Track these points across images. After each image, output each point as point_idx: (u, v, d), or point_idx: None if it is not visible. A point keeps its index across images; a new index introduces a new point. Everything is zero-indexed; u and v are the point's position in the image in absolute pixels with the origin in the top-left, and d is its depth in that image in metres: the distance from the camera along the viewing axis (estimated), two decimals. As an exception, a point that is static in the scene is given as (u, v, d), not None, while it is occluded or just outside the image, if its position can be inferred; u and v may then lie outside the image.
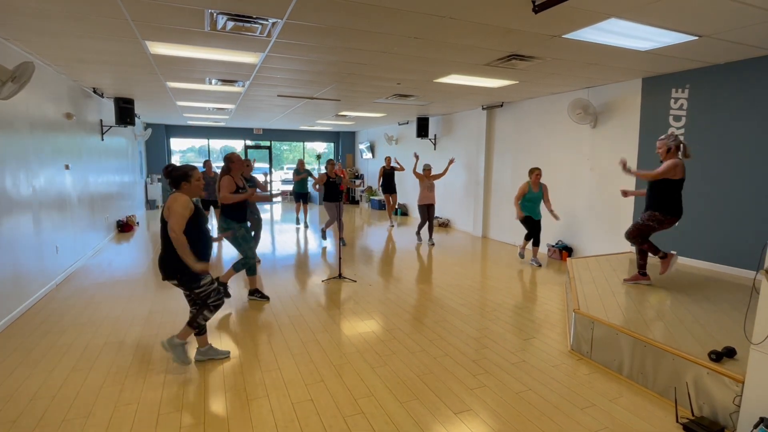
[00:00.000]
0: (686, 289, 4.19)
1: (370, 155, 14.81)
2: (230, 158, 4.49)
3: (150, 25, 3.67)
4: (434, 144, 10.81)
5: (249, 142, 15.38)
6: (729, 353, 2.67)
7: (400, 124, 12.52)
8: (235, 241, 4.55)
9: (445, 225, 10.34)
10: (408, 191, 12.14)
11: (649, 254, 4.24)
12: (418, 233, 8.40)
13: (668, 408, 2.74)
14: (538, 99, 7.39)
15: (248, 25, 3.60)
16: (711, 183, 4.90)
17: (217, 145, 17.68)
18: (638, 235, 4.09)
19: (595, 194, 6.41)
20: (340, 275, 5.67)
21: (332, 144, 17.03)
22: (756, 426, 2.19)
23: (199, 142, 15.50)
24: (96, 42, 4.21)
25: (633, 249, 5.28)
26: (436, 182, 8.32)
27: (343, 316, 4.35)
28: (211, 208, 8.47)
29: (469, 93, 7.00)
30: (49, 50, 4.55)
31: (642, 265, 4.32)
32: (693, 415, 2.64)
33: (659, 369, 2.89)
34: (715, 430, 2.45)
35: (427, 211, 8.08)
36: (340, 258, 5.87)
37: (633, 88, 5.73)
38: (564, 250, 6.85)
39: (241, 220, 4.58)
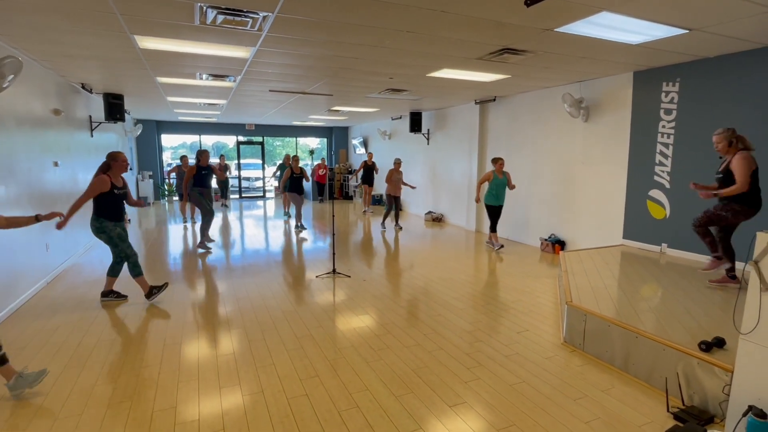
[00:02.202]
0: (677, 281, 4.24)
1: (363, 150, 14.77)
2: (113, 156, 4.28)
3: (138, 19, 3.61)
4: (427, 139, 10.80)
5: (241, 138, 15.28)
6: (718, 343, 2.71)
7: (393, 119, 12.50)
8: (110, 242, 4.32)
9: (439, 219, 10.36)
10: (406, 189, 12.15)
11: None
12: (383, 222, 9.36)
13: (659, 398, 2.78)
14: (530, 93, 7.41)
15: (238, 18, 3.56)
16: (702, 175, 4.94)
17: (209, 141, 17.55)
18: (705, 224, 3.89)
19: (588, 188, 6.45)
20: (334, 270, 5.66)
21: (325, 139, 16.96)
22: (745, 414, 2.23)
23: (190, 138, 15.38)
24: (83, 37, 4.14)
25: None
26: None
27: (337, 311, 4.35)
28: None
29: (462, 87, 6.99)
30: (35, 45, 4.47)
31: (715, 250, 4.05)
32: (683, 404, 2.68)
33: (650, 360, 2.93)
34: (704, 419, 2.49)
35: (394, 201, 9.02)
36: (333, 253, 5.86)
37: (624, 82, 5.76)
38: (557, 244, 6.90)
39: (116, 218, 4.34)
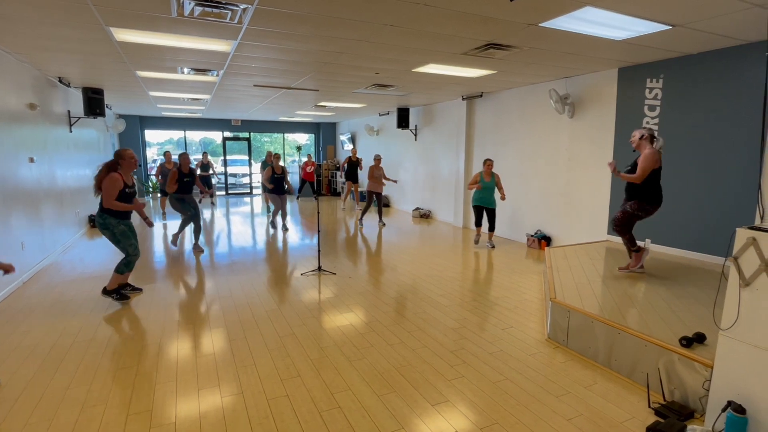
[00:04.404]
0: (660, 277, 4.26)
1: (350, 146, 14.68)
2: (120, 154, 4.21)
3: (113, 11, 3.49)
4: (415, 135, 10.76)
5: (227, 134, 15.08)
6: (699, 339, 2.73)
7: (380, 115, 12.43)
8: (113, 238, 4.22)
9: (426, 216, 10.35)
10: (390, 183, 12.12)
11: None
12: (360, 219, 9.26)
13: (641, 393, 2.78)
14: (517, 89, 7.40)
15: (217, 11, 3.47)
16: (684, 171, 4.98)
17: (196, 136, 17.28)
18: (625, 222, 4.13)
19: (573, 184, 6.47)
20: (319, 268, 5.60)
21: (313, 135, 16.83)
22: (724, 409, 2.24)
23: (177, 134, 15.10)
24: (57, 29, 4.00)
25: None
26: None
27: (321, 309, 4.29)
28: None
29: (449, 83, 6.95)
30: (7, 37, 4.31)
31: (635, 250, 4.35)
32: (665, 399, 2.69)
33: (632, 355, 2.94)
34: (685, 414, 2.50)
35: (375, 197, 8.95)
36: (319, 250, 5.80)
37: (609, 78, 5.77)
38: (543, 240, 6.92)
39: (122, 216, 4.24)
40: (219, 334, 3.69)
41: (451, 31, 3.98)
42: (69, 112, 7.53)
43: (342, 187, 15.21)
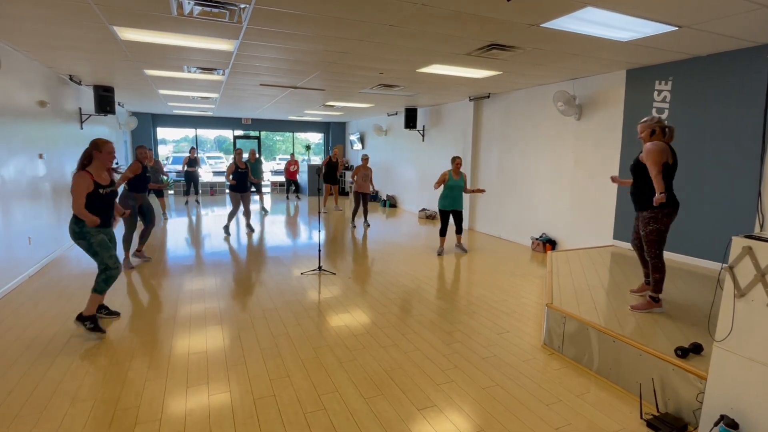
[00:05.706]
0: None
1: (360, 146, 14.69)
2: (97, 145, 3.49)
3: (114, 10, 3.53)
4: (422, 135, 10.71)
5: (238, 132, 15.22)
6: (695, 349, 2.65)
7: (389, 115, 12.40)
8: (90, 250, 3.53)
9: (432, 217, 10.29)
10: (397, 183, 12.09)
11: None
12: (353, 220, 9.03)
13: (634, 404, 2.71)
14: (524, 90, 7.31)
15: (216, 10, 3.48)
16: (693, 175, 4.86)
17: (209, 134, 17.48)
18: (655, 247, 3.33)
19: (580, 187, 6.36)
20: (319, 267, 5.60)
21: (322, 134, 16.89)
22: (716, 423, 2.17)
23: (192, 132, 15.28)
24: (62, 27, 4.07)
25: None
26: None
27: (318, 309, 4.29)
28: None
29: (455, 84, 6.90)
30: (15, 35, 4.40)
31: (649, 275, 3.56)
32: (658, 411, 2.62)
33: (627, 364, 2.87)
34: (678, 427, 2.43)
35: (362, 198, 8.85)
36: (319, 250, 5.80)
37: (617, 80, 5.66)
38: (548, 243, 6.82)
39: (102, 224, 3.57)
40: (213, 332, 3.71)
41: (451, 31, 3.94)
42: (80, 109, 7.66)
43: (350, 187, 15.20)
